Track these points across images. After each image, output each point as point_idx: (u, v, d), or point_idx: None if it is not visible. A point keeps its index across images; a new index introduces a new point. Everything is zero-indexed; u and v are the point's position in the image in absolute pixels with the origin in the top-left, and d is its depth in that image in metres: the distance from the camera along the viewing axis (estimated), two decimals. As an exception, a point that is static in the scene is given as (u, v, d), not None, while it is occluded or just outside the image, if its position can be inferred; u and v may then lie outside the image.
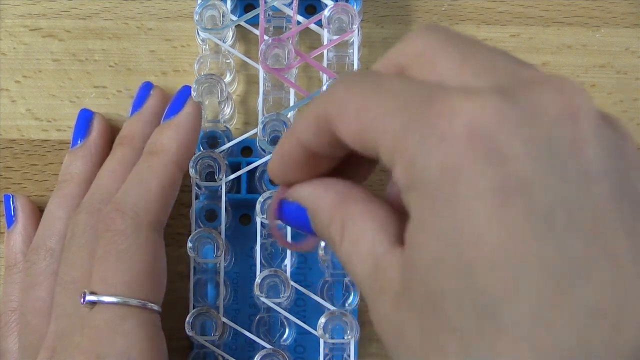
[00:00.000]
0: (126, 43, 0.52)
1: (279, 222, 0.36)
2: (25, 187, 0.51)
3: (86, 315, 0.41)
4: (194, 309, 0.46)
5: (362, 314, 0.48)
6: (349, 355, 0.47)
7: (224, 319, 0.46)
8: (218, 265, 0.47)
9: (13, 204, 0.49)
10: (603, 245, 0.26)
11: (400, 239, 0.30)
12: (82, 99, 0.52)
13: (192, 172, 0.45)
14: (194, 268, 0.47)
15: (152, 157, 0.45)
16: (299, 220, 0.35)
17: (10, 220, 0.49)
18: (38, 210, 0.50)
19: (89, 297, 0.41)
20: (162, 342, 0.43)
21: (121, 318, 0.41)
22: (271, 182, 0.48)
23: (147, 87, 0.50)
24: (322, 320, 0.45)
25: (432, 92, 0.28)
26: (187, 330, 0.45)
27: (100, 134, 0.49)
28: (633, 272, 0.26)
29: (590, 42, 0.53)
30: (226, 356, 0.47)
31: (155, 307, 0.42)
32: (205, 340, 0.46)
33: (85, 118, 0.49)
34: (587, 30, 0.53)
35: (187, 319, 0.45)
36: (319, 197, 0.34)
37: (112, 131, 0.51)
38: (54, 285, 0.44)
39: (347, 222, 0.32)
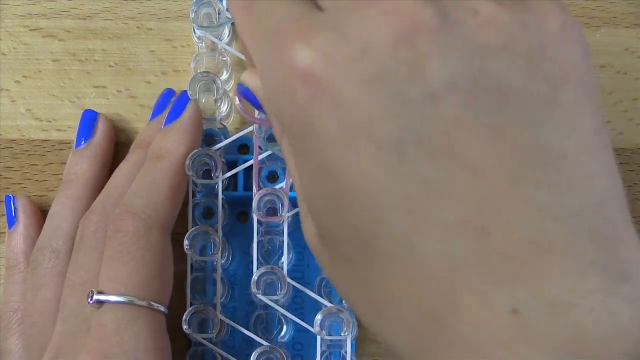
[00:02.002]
0: (126, 43, 0.52)
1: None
2: (25, 187, 0.51)
3: (93, 315, 0.41)
4: (191, 306, 0.46)
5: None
6: (346, 352, 0.46)
7: (222, 317, 0.46)
8: (215, 263, 0.47)
9: (14, 204, 0.49)
10: (460, 159, 0.27)
11: None
12: (82, 99, 0.52)
13: (188, 170, 0.45)
14: (191, 266, 0.47)
15: (159, 160, 0.45)
16: (253, 101, 0.36)
17: (11, 221, 0.49)
18: (39, 210, 0.50)
19: (97, 297, 0.41)
20: (168, 343, 0.43)
21: (129, 318, 0.41)
22: (267, 178, 0.48)
23: (169, 94, 0.50)
24: (319, 317, 0.45)
25: (284, 27, 0.30)
26: (183, 328, 0.45)
27: (105, 134, 0.49)
28: (496, 177, 0.26)
29: (590, 42, 0.52)
30: (224, 354, 0.47)
31: (162, 309, 0.42)
32: (203, 338, 0.46)
33: (90, 118, 0.50)
34: (587, 30, 0.53)
35: (184, 316, 0.45)
36: (256, 81, 0.35)
37: (114, 132, 0.51)
38: (61, 286, 0.44)
39: None
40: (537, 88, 0.28)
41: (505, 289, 0.26)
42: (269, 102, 0.31)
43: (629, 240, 0.27)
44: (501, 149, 0.27)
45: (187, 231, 0.46)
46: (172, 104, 0.48)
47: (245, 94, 0.36)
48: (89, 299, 0.41)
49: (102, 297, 0.41)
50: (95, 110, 0.50)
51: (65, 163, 0.50)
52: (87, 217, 0.45)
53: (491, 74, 0.27)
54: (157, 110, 0.49)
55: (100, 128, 0.49)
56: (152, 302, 0.42)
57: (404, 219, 0.27)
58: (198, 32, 0.49)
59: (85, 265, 0.44)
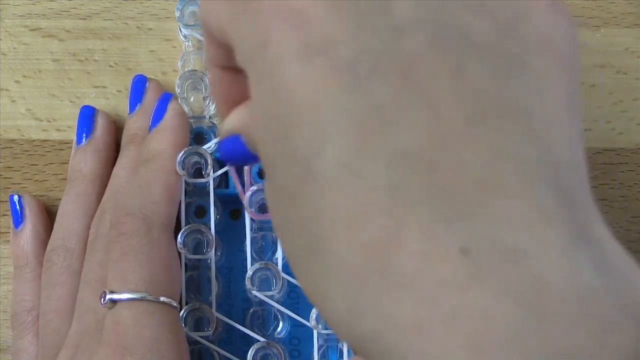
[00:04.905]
0: (126, 43, 0.53)
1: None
2: (25, 187, 0.51)
3: (109, 313, 0.42)
4: (186, 305, 0.46)
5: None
6: (344, 346, 0.46)
7: (218, 314, 0.46)
8: (209, 261, 0.47)
9: (20, 203, 0.49)
10: (418, 91, 0.25)
11: None
12: (82, 99, 0.52)
13: (179, 169, 0.45)
14: (186, 264, 0.47)
15: (149, 163, 0.46)
16: (240, 151, 0.35)
17: (18, 220, 0.49)
18: (45, 209, 0.50)
19: (110, 296, 0.41)
20: (184, 336, 0.43)
21: (146, 313, 0.41)
22: (259, 175, 0.48)
23: (140, 81, 0.50)
24: (314, 311, 0.45)
25: None
26: None
27: (105, 130, 0.50)
28: (452, 115, 0.25)
29: (590, 42, 0.53)
30: (221, 351, 0.47)
31: (174, 303, 0.43)
32: (200, 336, 0.46)
33: (88, 114, 0.50)
34: (587, 30, 0.53)
35: (180, 315, 0.45)
36: (242, 114, 0.34)
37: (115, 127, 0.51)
38: (76, 285, 0.45)
39: None
40: (508, 45, 0.27)
41: (457, 227, 0.24)
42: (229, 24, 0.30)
43: (588, 207, 0.25)
44: (461, 90, 0.25)
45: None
46: (155, 106, 0.48)
47: (228, 147, 0.35)
48: (102, 300, 0.41)
49: (115, 296, 0.41)
50: (95, 110, 0.51)
51: (65, 163, 0.51)
52: (101, 216, 0.46)
53: (462, 23, 0.27)
54: (134, 99, 0.49)
55: (101, 123, 0.50)
56: (163, 297, 0.42)
57: (351, 140, 0.25)
58: (184, 30, 0.50)
59: (100, 262, 0.44)
